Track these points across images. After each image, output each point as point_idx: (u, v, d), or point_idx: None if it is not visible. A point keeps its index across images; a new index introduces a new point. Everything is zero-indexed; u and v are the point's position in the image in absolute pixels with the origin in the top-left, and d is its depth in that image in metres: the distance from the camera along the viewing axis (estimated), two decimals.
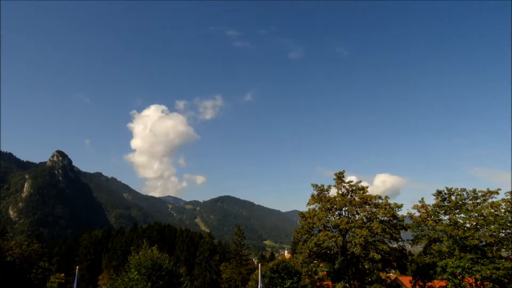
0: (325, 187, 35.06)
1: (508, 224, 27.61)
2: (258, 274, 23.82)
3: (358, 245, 28.63)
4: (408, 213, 33.64)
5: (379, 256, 28.47)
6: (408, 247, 36.06)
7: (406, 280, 42.94)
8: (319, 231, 32.49)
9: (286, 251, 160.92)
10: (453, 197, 31.52)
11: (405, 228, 32.52)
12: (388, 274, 45.02)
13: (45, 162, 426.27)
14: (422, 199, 33.75)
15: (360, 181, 33.88)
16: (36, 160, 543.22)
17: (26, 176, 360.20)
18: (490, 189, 29.86)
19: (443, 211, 31.73)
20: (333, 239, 30.53)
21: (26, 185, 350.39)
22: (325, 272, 44.43)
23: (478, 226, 29.00)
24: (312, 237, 32.22)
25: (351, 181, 34.03)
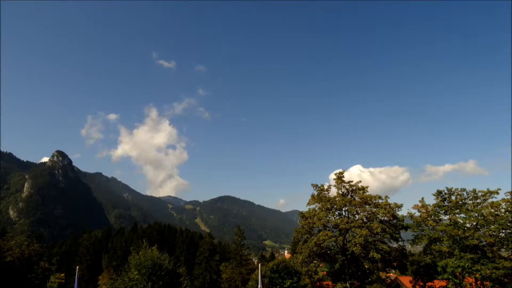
0: (325, 187, 35.06)
1: (508, 224, 27.57)
2: (258, 274, 23.79)
3: (358, 245, 28.59)
4: (408, 213, 33.63)
5: (379, 255, 28.43)
6: (408, 247, 36.02)
7: (406, 280, 42.91)
8: (319, 231, 32.46)
9: (286, 251, 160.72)
10: (453, 197, 31.48)
11: (405, 228, 32.50)
12: (388, 274, 44.99)
13: (45, 162, 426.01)
14: (422, 199, 33.76)
15: (360, 181, 33.87)
16: (36, 160, 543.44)
17: (26, 176, 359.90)
18: (490, 189, 29.85)
19: (443, 211, 31.70)
20: (333, 238, 30.51)
21: (26, 185, 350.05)
22: (325, 272, 44.39)
23: (478, 226, 28.97)
24: (312, 237, 32.19)
25: (351, 181, 34.01)
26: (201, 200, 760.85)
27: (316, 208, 33.73)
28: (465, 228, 28.69)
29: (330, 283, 34.68)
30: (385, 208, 30.36)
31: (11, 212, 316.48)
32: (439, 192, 32.51)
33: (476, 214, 29.21)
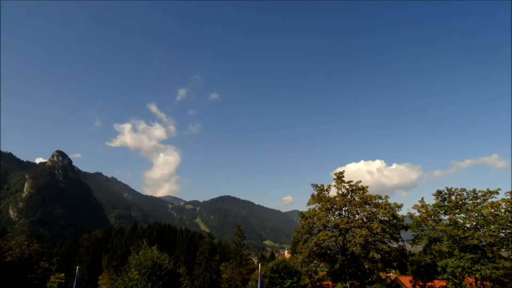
0: (325, 187, 35.03)
1: (508, 224, 27.56)
2: (258, 274, 23.78)
3: (358, 245, 28.58)
4: (408, 213, 33.61)
5: (379, 256, 28.41)
6: (408, 247, 35.99)
7: (406, 280, 42.92)
8: (319, 231, 32.43)
9: (286, 251, 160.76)
10: (453, 197, 31.46)
11: (405, 228, 32.47)
12: (388, 274, 45.00)
13: (45, 162, 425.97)
14: (422, 199, 33.76)
15: (360, 181, 33.84)
16: (36, 160, 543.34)
17: (26, 176, 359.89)
18: (490, 189, 29.84)
19: (443, 211, 31.68)
20: (333, 238, 30.48)
21: (26, 185, 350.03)
22: (325, 272, 44.39)
23: (478, 226, 28.95)
24: (312, 237, 32.17)
25: (351, 181, 33.99)
26: (201, 200, 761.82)
27: (316, 208, 33.70)
28: (465, 228, 28.67)
29: (330, 283, 34.65)
30: (385, 208, 30.34)
31: (11, 212, 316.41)
32: (439, 192, 32.50)
33: (476, 214, 29.19)
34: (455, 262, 27.29)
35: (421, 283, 32.13)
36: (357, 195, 32.95)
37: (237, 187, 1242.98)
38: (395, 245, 32.57)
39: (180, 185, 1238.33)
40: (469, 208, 30.01)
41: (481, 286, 28.20)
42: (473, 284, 28.28)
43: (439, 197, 32.32)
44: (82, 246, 77.09)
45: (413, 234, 33.12)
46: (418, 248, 36.64)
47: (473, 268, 26.37)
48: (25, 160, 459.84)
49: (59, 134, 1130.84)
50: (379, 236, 30.57)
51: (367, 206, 31.71)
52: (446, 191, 32.09)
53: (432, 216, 32.10)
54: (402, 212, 32.26)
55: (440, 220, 31.82)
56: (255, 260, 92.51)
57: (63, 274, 59.16)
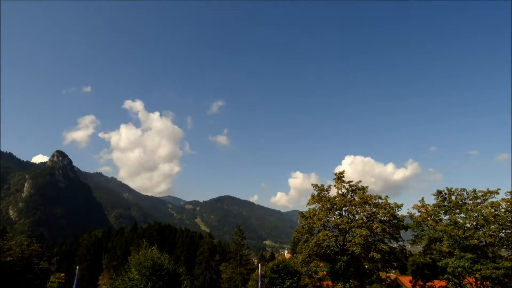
0: (325, 187, 35.04)
1: (508, 224, 27.56)
2: (258, 274, 23.78)
3: (358, 245, 28.60)
4: (408, 212, 33.63)
5: (379, 255, 28.44)
6: (408, 247, 36.00)
7: (406, 280, 42.89)
8: (319, 231, 32.45)
9: (286, 251, 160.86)
10: (453, 197, 31.48)
11: (405, 227, 32.48)
12: (388, 274, 44.98)
13: (45, 162, 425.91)
14: (422, 198, 33.79)
15: (360, 181, 33.87)
16: (36, 160, 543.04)
17: (26, 176, 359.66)
18: (490, 189, 29.85)
19: (443, 211, 31.70)
20: (333, 238, 30.50)
21: (26, 185, 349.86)
22: (325, 272, 44.37)
23: (478, 226, 28.97)
24: (312, 237, 32.18)
25: (351, 181, 34.02)
26: (201, 200, 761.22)
27: (316, 208, 33.73)
28: (465, 228, 28.65)
29: (330, 283, 34.64)
30: (385, 208, 30.36)
31: (11, 212, 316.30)
32: (439, 192, 32.51)
33: (476, 214, 29.20)
34: (455, 262, 27.27)
35: (421, 283, 32.14)
36: (357, 195, 32.96)
37: (237, 187, 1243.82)
38: (395, 245, 32.58)
39: (180, 183, 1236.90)
40: (469, 208, 30.01)
41: (481, 286, 28.20)
42: (473, 284, 28.29)
43: (439, 197, 32.34)
44: (82, 246, 77.07)
45: (413, 234, 33.10)
46: (418, 248, 36.62)
47: (473, 268, 26.36)
48: (25, 160, 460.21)
49: (59, 134, 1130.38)
50: (379, 236, 30.58)
51: (367, 206, 31.72)
52: (446, 191, 32.12)
53: (432, 216, 32.11)
54: (402, 212, 32.31)
55: (440, 220, 31.82)
56: (255, 260, 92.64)
57: (63, 274, 59.18)
